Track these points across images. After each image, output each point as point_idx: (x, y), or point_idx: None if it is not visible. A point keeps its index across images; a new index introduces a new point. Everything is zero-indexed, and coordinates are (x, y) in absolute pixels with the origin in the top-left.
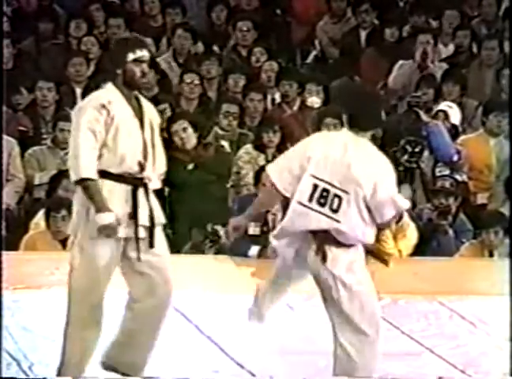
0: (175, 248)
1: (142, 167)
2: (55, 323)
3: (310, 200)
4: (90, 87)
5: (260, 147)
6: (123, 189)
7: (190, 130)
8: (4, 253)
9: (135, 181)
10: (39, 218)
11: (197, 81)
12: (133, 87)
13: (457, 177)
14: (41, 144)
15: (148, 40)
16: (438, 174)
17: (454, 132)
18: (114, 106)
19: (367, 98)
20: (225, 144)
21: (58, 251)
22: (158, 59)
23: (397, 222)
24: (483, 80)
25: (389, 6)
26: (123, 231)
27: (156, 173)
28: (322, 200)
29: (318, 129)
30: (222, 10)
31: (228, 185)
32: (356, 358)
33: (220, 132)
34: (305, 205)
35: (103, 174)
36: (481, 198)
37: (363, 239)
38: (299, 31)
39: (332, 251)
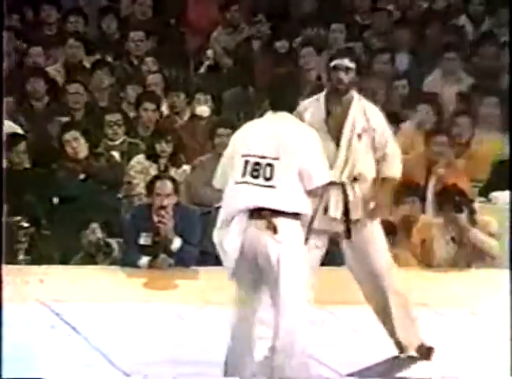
0: (65, 259)
1: None
2: None
3: (244, 175)
4: None
5: (152, 157)
6: None
7: (82, 140)
8: None
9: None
10: None
11: (81, 91)
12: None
13: None
14: None
15: (39, 49)
16: None
17: None
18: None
19: (284, 80)
20: (116, 154)
21: None
22: (48, 69)
23: None
24: (376, 91)
25: (283, 18)
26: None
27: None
28: (255, 173)
29: (210, 139)
30: (112, 20)
31: (120, 196)
32: None
33: (110, 142)
34: (239, 182)
35: None
36: None
37: (301, 206)
38: (193, 41)
39: (280, 222)
